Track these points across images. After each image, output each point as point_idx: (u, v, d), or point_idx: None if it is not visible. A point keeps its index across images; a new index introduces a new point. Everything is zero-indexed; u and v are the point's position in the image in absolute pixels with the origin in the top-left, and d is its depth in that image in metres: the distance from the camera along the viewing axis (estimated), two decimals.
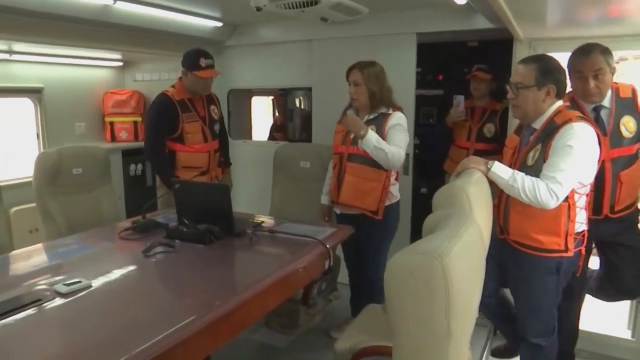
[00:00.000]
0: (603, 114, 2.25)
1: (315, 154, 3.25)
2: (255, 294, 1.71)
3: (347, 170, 2.69)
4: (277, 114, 5.59)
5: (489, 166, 1.99)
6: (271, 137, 5.20)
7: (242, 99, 4.65)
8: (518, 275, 2.16)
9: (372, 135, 2.54)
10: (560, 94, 2.02)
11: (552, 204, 1.90)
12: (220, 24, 3.77)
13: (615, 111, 2.23)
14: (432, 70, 4.36)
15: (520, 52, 2.92)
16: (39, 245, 2.32)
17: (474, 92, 3.46)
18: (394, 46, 3.49)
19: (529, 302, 2.16)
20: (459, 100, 3.33)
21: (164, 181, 3.05)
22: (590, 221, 2.15)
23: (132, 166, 4.18)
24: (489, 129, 3.39)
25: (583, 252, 2.12)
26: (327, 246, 2.17)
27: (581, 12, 2.26)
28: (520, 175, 1.94)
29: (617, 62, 2.43)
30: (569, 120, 1.92)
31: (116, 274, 1.92)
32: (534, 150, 2.02)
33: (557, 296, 2.13)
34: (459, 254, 1.07)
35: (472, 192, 1.72)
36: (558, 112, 1.99)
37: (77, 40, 3.23)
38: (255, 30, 3.95)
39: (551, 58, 2.04)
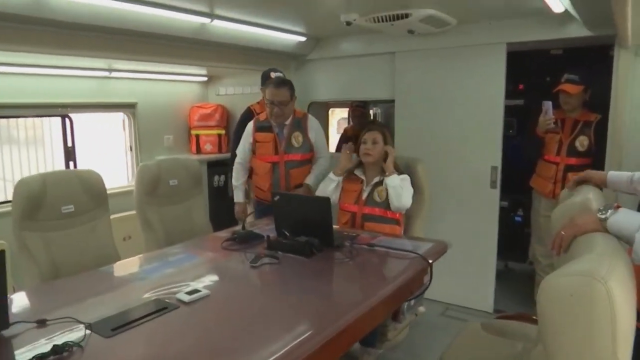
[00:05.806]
0: None
1: (401, 165, 3.21)
2: (367, 310, 1.70)
3: (364, 228, 2.74)
4: (350, 124, 5.60)
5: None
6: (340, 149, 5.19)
7: (321, 111, 4.70)
8: None
9: None
10: None
11: None
12: (304, 39, 3.85)
13: None
14: (512, 80, 4.22)
15: (623, 60, 2.78)
16: (151, 253, 2.45)
17: (564, 106, 3.24)
18: (482, 57, 3.42)
19: None
20: (547, 106, 3.15)
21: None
22: None
23: (216, 177, 4.33)
24: (582, 142, 3.17)
25: None
26: (430, 262, 2.13)
27: None
28: None
29: None
30: None
31: (229, 283, 1.98)
32: None
33: None
34: (619, 278, 1.02)
35: (595, 206, 1.64)
36: None
37: (173, 58, 3.39)
38: (337, 44, 4.00)
39: None
